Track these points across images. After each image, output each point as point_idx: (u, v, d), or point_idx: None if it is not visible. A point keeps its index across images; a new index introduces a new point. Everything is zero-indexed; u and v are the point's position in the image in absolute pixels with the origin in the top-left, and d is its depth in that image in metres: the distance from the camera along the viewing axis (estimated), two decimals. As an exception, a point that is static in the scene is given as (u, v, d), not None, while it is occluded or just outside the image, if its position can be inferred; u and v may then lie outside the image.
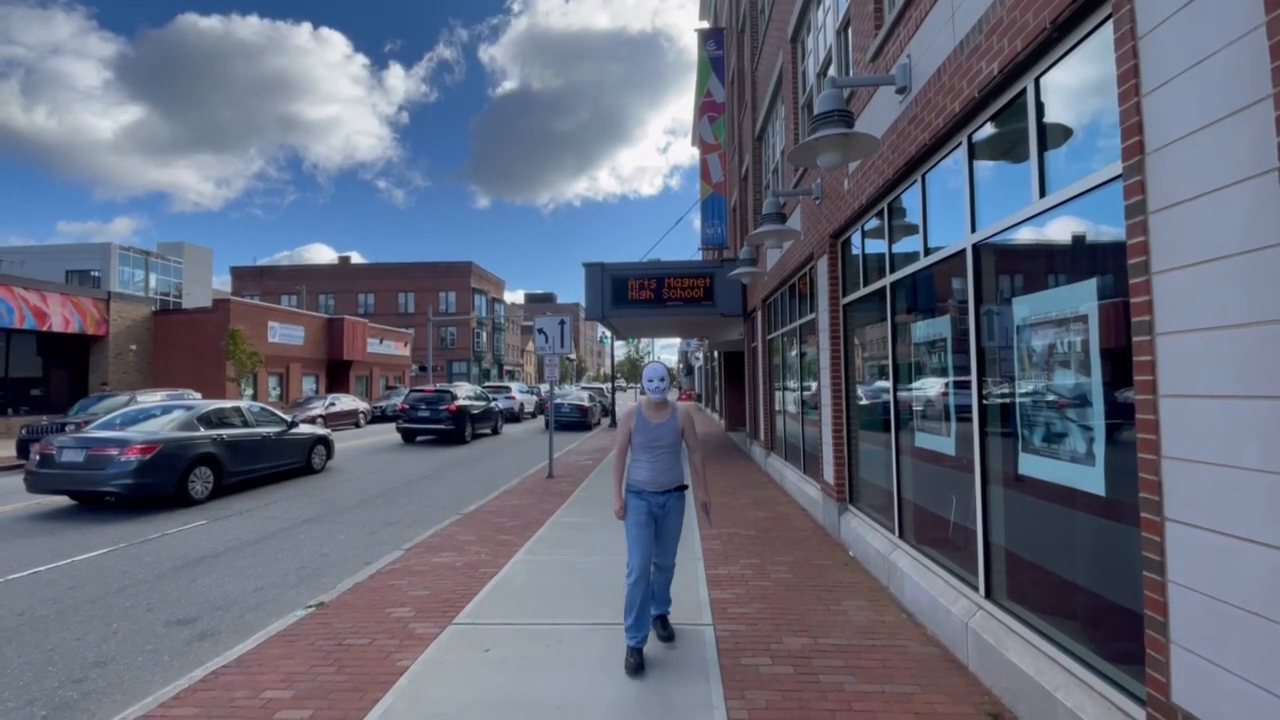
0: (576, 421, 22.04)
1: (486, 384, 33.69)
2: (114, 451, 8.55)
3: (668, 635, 3.84)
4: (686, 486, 3.74)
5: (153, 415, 9.78)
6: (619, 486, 3.70)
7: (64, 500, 9.49)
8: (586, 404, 22.93)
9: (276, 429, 11.26)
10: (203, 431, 9.67)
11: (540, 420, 25.52)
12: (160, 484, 8.74)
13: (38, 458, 8.83)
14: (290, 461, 11.52)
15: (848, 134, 3.69)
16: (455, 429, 17.52)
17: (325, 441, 12.73)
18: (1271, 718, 1.70)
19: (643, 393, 3.81)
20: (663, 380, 3.70)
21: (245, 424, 10.66)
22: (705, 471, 3.92)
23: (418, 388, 20.26)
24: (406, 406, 18.00)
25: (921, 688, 3.25)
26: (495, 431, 20.68)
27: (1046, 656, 2.89)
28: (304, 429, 12.16)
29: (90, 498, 9.03)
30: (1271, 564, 1.70)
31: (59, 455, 8.65)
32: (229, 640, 4.19)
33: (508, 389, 28.14)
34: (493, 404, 20.93)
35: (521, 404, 25.37)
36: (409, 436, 17.97)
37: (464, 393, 19.17)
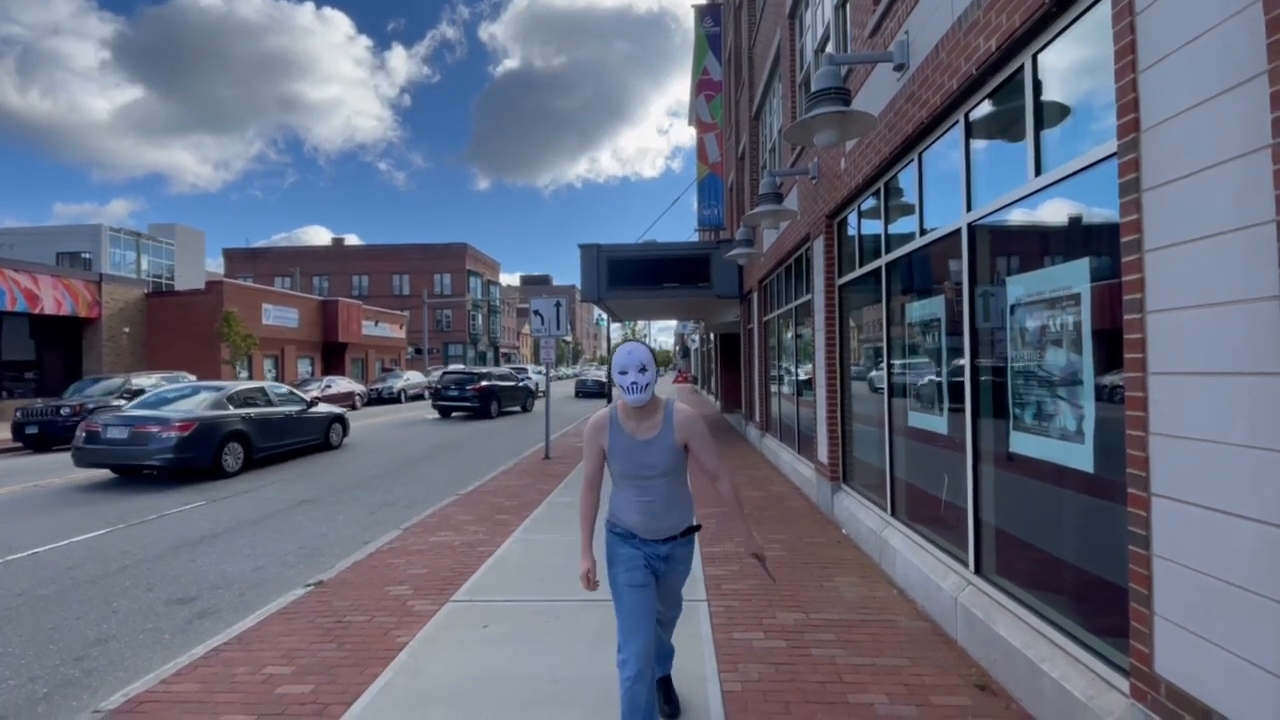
0: (595, 392, 29.38)
1: (511, 367, 36.52)
2: (155, 429, 9.18)
3: (672, 711, 2.80)
4: (698, 528, 2.61)
5: (185, 396, 10.42)
6: (587, 537, 2.52)
7: (60, 481, 9.56)
8: (604, 379, 30.05)
9: (298, 408, 11.95)
10: (232, 410, 10.31)
11: (556, 396, 27.39)
12: (197, 458, 9.40)
13: (84, 435, 9.45)
14: (310, 438, 12.24)
15: (845, 112, 3.66)
16: (481, 406, 19.45)
17: (342, 420, 13.46)
18: (1252, 685, 1.74)
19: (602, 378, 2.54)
20: (644, 370, 2.34)
21: (269, 403, 11.31)
22: (740, 498, 2.62)
23: (450, 369, 22.72)
24: (440, 386, 19.95)
25: (911, 660, 3.32)
26: (525, 409, 21.98)
27: (1034, 630, 2.95)
28: (322, 408, 12.92)
29: (130, 472, 9.78)
30: (1256, 538, 1.73)
31: (104, 432, 9.30)
32: (229, 618, 4.24)
33: (525, 370, 31.30)
34: (523, 383, 22.47)
35: (536, 384, 27.30)
36: (445, 413, 19.92)
37: (497, 372, 21.75)
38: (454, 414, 19.86)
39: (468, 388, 19.36)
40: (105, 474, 10.11)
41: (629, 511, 2.45)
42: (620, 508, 2.49)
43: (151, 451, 9.12)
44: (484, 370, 20.99)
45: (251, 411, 10.68)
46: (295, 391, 12.69)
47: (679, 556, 2.55)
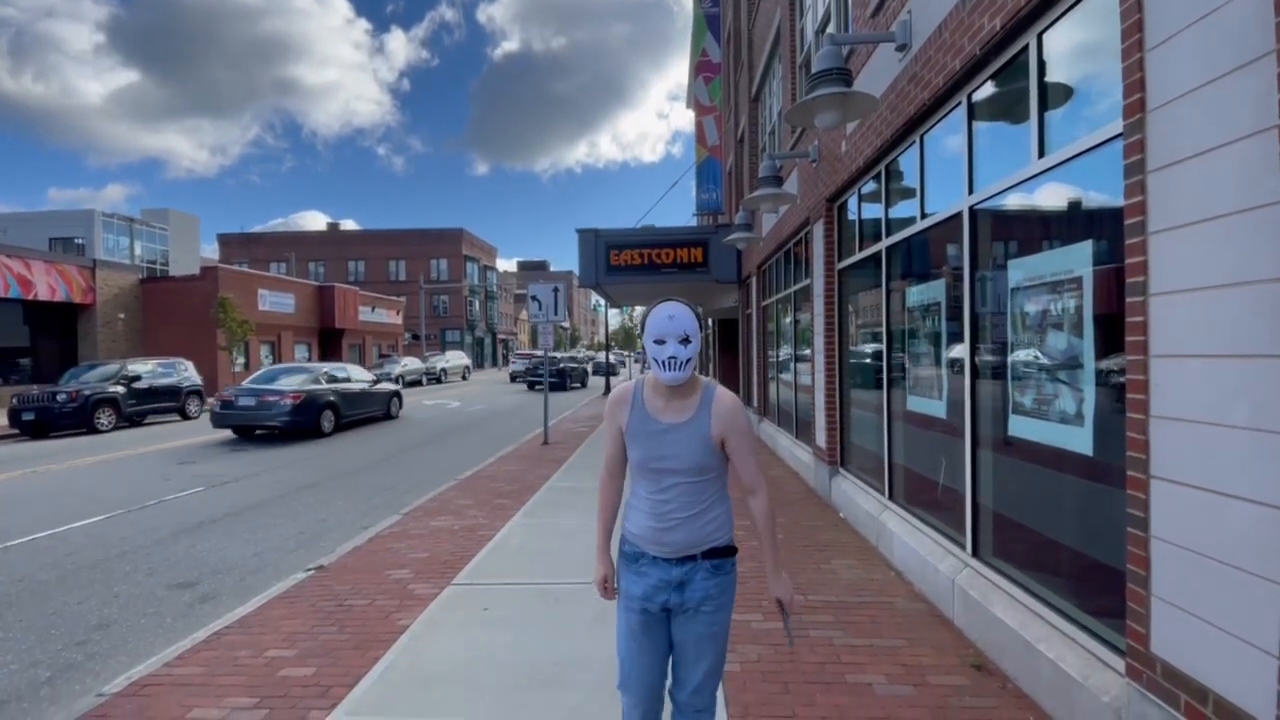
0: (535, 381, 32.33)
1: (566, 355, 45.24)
2: (275, 398, 12.13)
3: None
4: (731, 551, 1.94)
5: (290, 374, 13.26)
6: (605, 536, 2.07)
7: (59, 468, 9.56)
8: (613, 360, 35.59)
9: (368, 385, 15.00)
10: (325, 385, 13.28)
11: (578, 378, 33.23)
12: (305, 421, 12.37)
13: (219, 403, 12.42)
14: (376, 409, 15.25)
15: (846, 93, 3.61)
16: (559, 381, 27.51)
17: (398, 395, 16.55)
18: (1247, 664, 1.76)
19: (642, 364, 2.10)
20: (686, 342, 1.84)
21: (349, 381, 14.35)
22: (775, 522, 2.03)
23: (531, 354, 33.57)
24: (526, 368, 29.89)
25: (908, 641, 3.35)
26: (583, 385, 30.23)
27: (1030, 611, 2.97)
28: (384, 385, 15.89)
29: (247, 432, 12.70)
30: (1253, 519, 1.74)
31: (236, 401, 12.24)
32: (230, 602, 4.26)
33: (576, 357, 38.89)
34: (584, 365, 32.88)
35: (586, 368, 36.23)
36: (531, 386, 27.28)
37: (563, 355, 33.71)
38: (537, 387, 26.80)
39: (539, 373, 27.12)
40: (107, 459, 10.13)
41: (639, 516, 1.94)
42: (631, 511, 1.99)
43: (273, 415, 12.00)
44: (563, 355, 34.29)
45: (339, 387, 13.65)
46: (365, 372, 15.83)
47: (701, 590, 1.86)
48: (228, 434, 13.11)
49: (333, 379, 13.73)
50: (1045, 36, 2.91)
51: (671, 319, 1.85)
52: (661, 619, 1.92)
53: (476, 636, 3.46)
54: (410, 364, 30.51)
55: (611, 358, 30.88)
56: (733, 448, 1.92)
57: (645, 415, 1.94)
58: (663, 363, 1.85)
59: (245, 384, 13.12)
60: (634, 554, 1.95)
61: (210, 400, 12.94)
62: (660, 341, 1.85)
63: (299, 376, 13.12)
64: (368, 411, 14.75)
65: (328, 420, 12.96)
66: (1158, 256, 2.06)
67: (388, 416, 15.67)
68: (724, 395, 1.94)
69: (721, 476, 1.95)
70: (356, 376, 14.80)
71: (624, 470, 2.06)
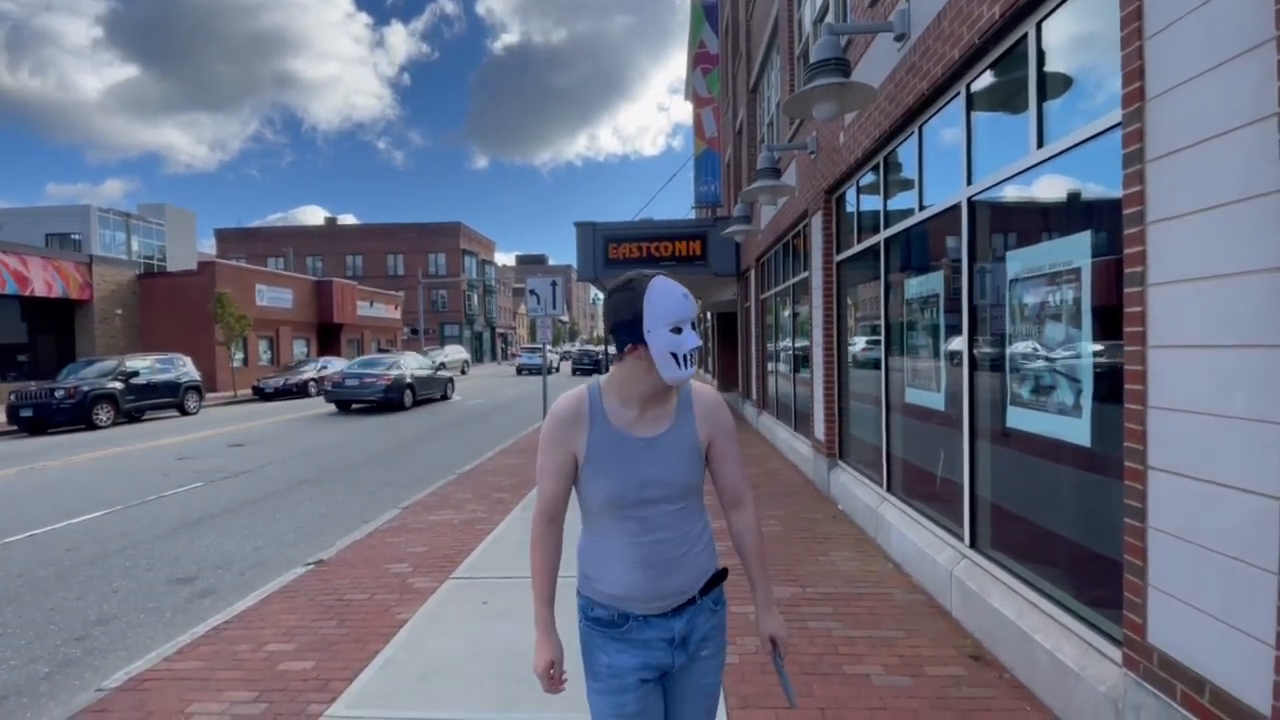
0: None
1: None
2: (374, 380, 16.30)
3: None
4: (725, 574, 1.64)
5: (381, 363, 17.54)
6: (547, 607, 1.54)
7: (57, 464, 9.54)
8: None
9: (432, 371, 19.05)
10: (406, 370, 17.21)
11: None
12: (394, 399, 16.36)
13: (331, 384, 16.91)
14: (438, 392, 19.12)
15: (844, 83, 3.59)
16: (595, 367, 32.32)
17: (452, 381, 20.57)
18: (1244, 654, 1.76)
19: (614, 351, 1.60)
20: (694, 327, 1.44)
21: (419, 368, 18.34)
22: (764, 545, 1.71)
23: (578, 349, 40.70)
24: (573, 359, 36.91)
25: (906, 632, 3.36)
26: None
27: (1027, 601, 2.98)
28: (443, 372, 20.15)
29: (345, 406, 16.80)
30: (1251, 509, 1.73)
31: (344, 382, 16.56)
32: (230, 597, 4.26)
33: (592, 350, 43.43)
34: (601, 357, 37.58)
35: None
36: (574, 372, 33.21)
37: (595, 348, 39.35)
38: (577, 373, 32.85)
39: (585, 360, 34.54)
40: (106, 454, 10.13)
41: (619, 569, 1.46)
42: (601, 565, 1.49)
43: (372, 392, 16.10)
44: (595, 349, 38.77)
45: (415, 371, 17.73)
46: (429, 360, 20.28)
47: (704, 634, 1.54)
48: (229, 431, 13.33)
49: (417, 365, 18.28)
50: (1044, 25, 2.88)
51: (686, 298, 1.42)
52: (658, 687, 1.53)
53: (476, 630, 3.47)
54: (410, 358, 30.51)
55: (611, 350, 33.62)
56: (720, 452, 1.56)
57: (613, 433, 1.46)
58: (683, 358, 1.39)
59: (348, 369, 17.53)
60: (611, 619, 1.48)
61: (327, 381, 17.58)
62: (677, 329, 1.38)
63: (386, 364, 17.27)
64: (430, 394, 18.52)
65: (408, 399, 16.90)
66: (1156, 246, 2.05)
67: (444, 398, 19.47)
68: (702, 389, 1.58)
69: (702, 493, 1.57)
70: (423, 364, 18.91)
71: (564, 514, 1.54)
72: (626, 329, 1.41)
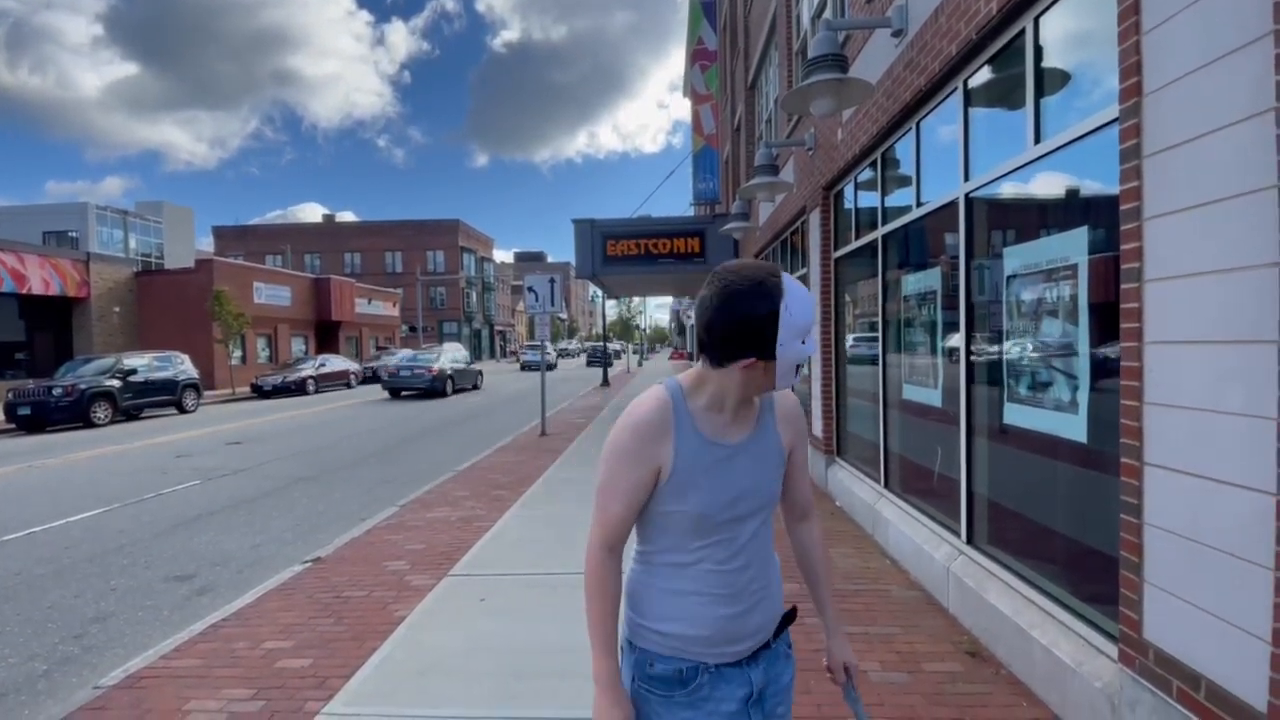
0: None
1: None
2: (422, 371, 19.43)
3: None
4: (794, 615, 1.49)
5: (427, 357, 20.40)
6: (610, 649, 1.26)
7: (56, 462, 9.55)
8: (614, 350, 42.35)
9: (465, 364, 21.92)
10: (447, 363, 20.27)
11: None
12: (439, 388, 19.53)
13: (387, 374, 20.10)
14: (471, 383, 21.85)
15: (842, 79, 3.58)
16: (603, 360, 33.01)
17: (481, 373, 23.42)
18: (1240, 650, 1.76)
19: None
20: (811, 327, 1.20)
21: (456, 361, 21.17)
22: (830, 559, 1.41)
23: (592, 345, 41.61)
24: (588, 354, 40.28)
25: (903, 629, 3.37)
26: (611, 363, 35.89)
27: (1024, 598, 2.98)
28: (476, 365, 23.58)
29: (396, 392, 19.94)
30: (1248, 505, 1.73)
31: (399, 372, 19.57)
32: (228, 595, 4.26)
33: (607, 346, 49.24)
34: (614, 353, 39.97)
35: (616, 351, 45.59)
36: (589, 364, 36.85)
37: (612, 346, 39.66)
38: (592, 364, 35.61)
39: (596, 355, 35.85)
40: (104, 453, 10.12)
41: (697, 605, 1.24)
42: (669, 603, 1.26)
43: (421, 381, 19.29)
44: (609, 345, 36.44)
45: (454, 365, 20.72)
46: (465, 353, 23.00)
47: (782, 687, 1.39)
48: (227, 429, 13.38)
49: (450, 359, 20.74)
50: (1042, 20, 2.87)
51: (811, 298, 1.28)
52: None
53: (474, 627, 3.47)
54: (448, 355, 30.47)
55: (611, 347, 35.49)
56: (797, 460, 1.40)
57: (702, 441, 1.24)
58: (798, 368, 1.20)
59: (399, 362, 20.46)
60: (678, 675, 1.24)
61: (383, 372, 20.75)
62: (803, 339, 1.17)
63: (431, 356, 20.45)
64: (464, 385, 21.22)
65: (450, 387, 20.00)
66: (1153, 242, 2.05)
67: (475, 387, 22.10)
68: (783, 400, 1.38)
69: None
70: (460, 358, 21.82)
71: (624, 537, 1.29)
72: (749, 341, 1.14)
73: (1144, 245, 2.08)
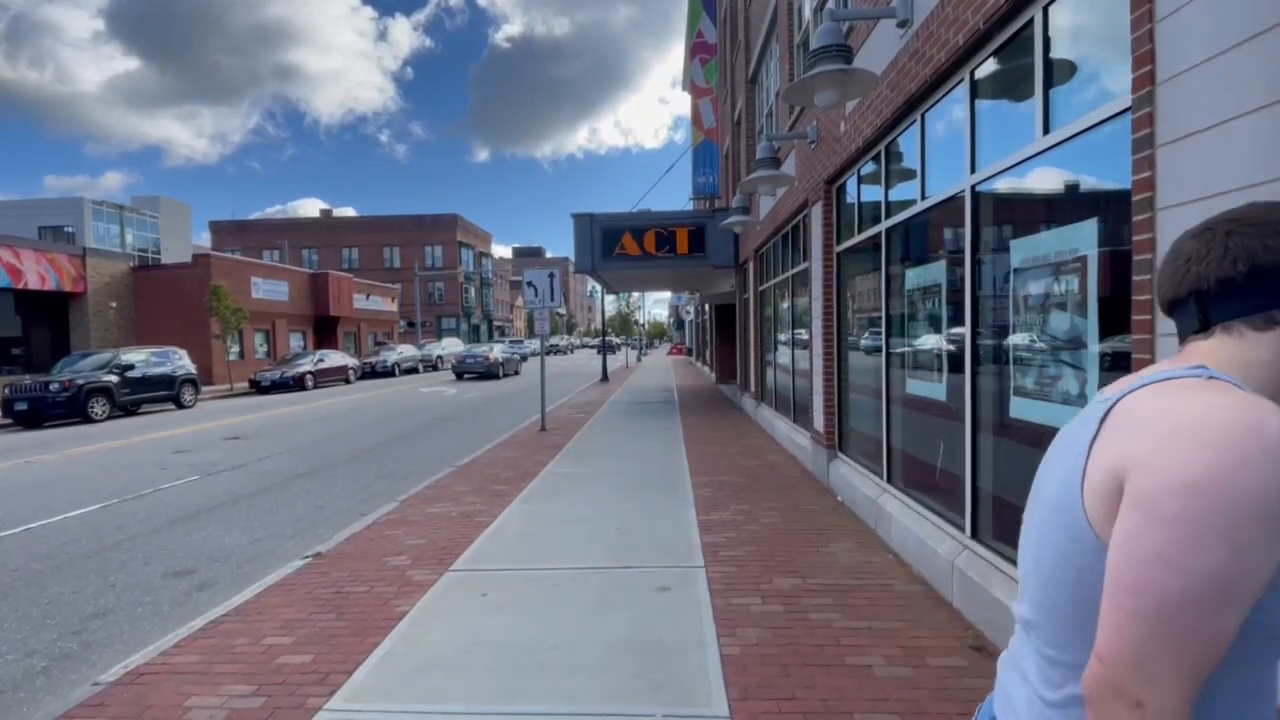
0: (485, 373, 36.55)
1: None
2: (481, 358, 25.48)
3: None
4: None
5: (484, 349, 26.29)
6: None
7: (53, 458, 9.51)
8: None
9: (511, 353, 26.94)
10: (499, 352, 26.00)
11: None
12: (494, 373, 25.03)
13: (455, 361, 26.47)
14: (514, 369, 26.65)
15: (846, 70, 3.55)
16: (606, 349, 36.64)
17: (525, 358, 29.03)
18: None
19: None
20: None
21: (505, 352, 26.47)
22: None
23: (597, 342, 35.01)
24: (597, 347, 35.86)
25: (907, 623, 3.35)
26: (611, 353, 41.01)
27: (1030, 592, 2.96)
28: (517, 354, 28.22)
29: (459, 375, 25.65)
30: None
31: (465, 359, 25.71)
32: (227, 590, 4.24)
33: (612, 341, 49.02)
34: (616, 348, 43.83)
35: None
36: (598, 352, 38.64)
37: (616, 341, 42.95)
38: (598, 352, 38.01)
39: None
40: (102, 448, 10.07)
41: None
42: None
43: (480, 366, 24.97)
44: (614, 341, 39.70)
45: (504, 354, 26.11)
46: (508, 346, 28.69)
47: None
48: (225, 425, 13.42)
49: (503, 351, 26.67)
50: (1051, 9, 2.84)
51: None
52: None
53: (475, 622, 3.45)
54: (406, 352, 30.39)
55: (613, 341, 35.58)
56: None
57: None
58: None
59: (465, 354, 26.33)
60: None
61: (453, 360, 26.82)
62: None
63: (487, 347, 26.97)
64: (508, 372, 25.92)
65: (500, 371, 25.16)
66: (1166, 233, 2.02)
67: (516, 373, 26.55)
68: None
69: None
70: (507, 351, 27.27)
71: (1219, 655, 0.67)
72: None
73: (1157, 237, 2.05)
